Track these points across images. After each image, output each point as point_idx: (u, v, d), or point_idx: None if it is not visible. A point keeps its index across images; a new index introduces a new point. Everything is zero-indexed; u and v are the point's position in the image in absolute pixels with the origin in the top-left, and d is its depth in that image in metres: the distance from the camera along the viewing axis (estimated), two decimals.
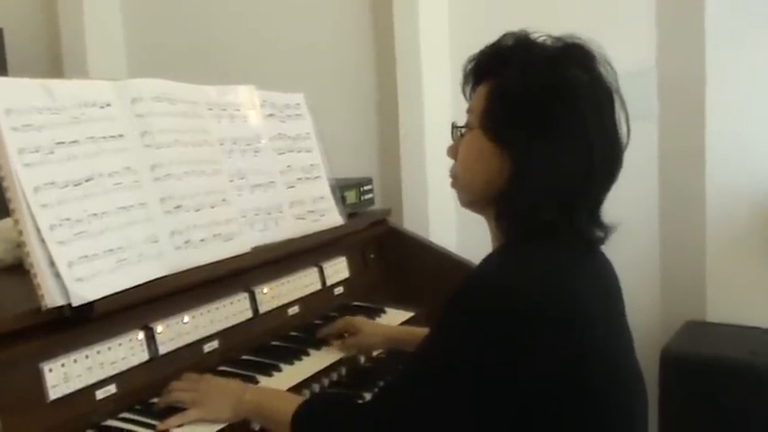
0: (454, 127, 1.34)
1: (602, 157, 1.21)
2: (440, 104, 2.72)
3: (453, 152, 1.33)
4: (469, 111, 1.30)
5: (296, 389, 1.65)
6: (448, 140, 1.37)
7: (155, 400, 1.49)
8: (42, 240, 1.31)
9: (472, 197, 1.30)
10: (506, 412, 1.12)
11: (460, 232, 2.75)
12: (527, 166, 1.20)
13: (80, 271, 1.35)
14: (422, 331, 1.77)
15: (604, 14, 2.61)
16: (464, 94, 1.33)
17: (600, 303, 1.21)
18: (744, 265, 2.68)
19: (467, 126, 1.30)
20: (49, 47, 3.14)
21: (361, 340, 1.82)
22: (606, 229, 1.26)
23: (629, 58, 2.38)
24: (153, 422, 1.40)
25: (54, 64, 3.10)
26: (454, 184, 1.34)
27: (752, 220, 2.66)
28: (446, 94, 2.70)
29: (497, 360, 1.10)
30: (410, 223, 2.65)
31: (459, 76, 1.33)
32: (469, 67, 1.31)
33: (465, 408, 1.12)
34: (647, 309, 2.70)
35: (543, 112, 1.19)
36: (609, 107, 1.23)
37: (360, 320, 1.87)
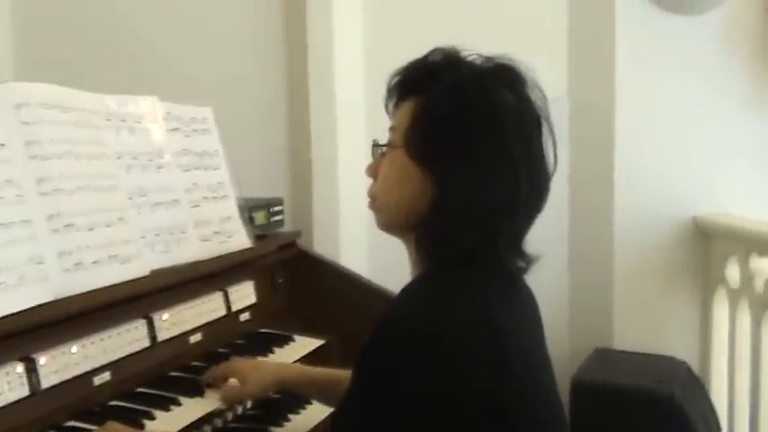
0: (375, 145, 1.27)
1: (528, 185, 1.16)
2: (354, 124, 2.65)
3: (373, 171, 1.26)
4: (392, 129, 1.24)
5: (197, 423, 1.53)
6: (362, 161, 1.30)
7: None
8: None
9: (391, 220, 1.23)
10: None
11: (372, 256, 2.68)
12: (450, 191, 1.15)
13: None
14: (317, 371, 1.67)
15: (518, 41, 2.59)
16: (386, 110, 1.27)
17: (523, 334, 1.17)
18: (651, 291, 2.72)
19: (389, 144, 1.23)
20: None
21: (246, 390, 1.61)
22: (528, 260, 1.21)
23: (541, 84, 2.39)
24: None
25: None
26: (372, 206, 1.26)
27: (659, 245, 2.72)
28: (361, 113, 2.63)
29: (424, 395, 1.05)
30: (320, 246, 2.56)
31: (378, 92, 1.27)
32: (394, 81, 1.25)
33: None
34: (556, 335, 2.69)
35: (469, 135, 1.14)
36: (537, 133, 1.19)
37: (245, 367, 1.64)
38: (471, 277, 1.15)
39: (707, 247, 2.71)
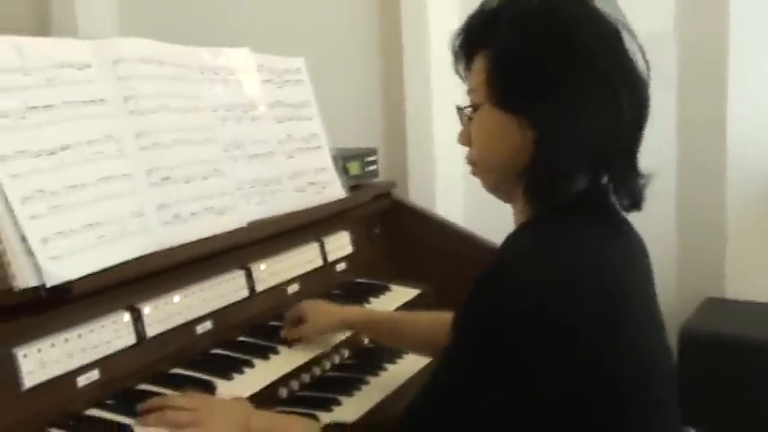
0: (459, 109, 1.21)
1: (628, 100, 1.08)
2: (449, 72, 2.57)
3: (465, 138, 1.21)
4: (471, 90, 1.18)
5: (295, 372, 1.56)
6: (456, 111, 1.24)
7: (144, 386, 1.39)
8: (13, 214, 1.20)
9: (499, 180, 1.17)
10: (546, 404, 1.03)
11: (468, 205, 2.63)
12: (549, 130, 1.08)
13: (56, 248, 1.23)
14: (387, 314, 1.67)
15: None
16: (459, 75, 1.21)
17: (635, 284, 1.13)
18: (766, 238, 2.56)
19: (473, 106, 1.18)
20: (35, 4, 3.00)
21: (309, 329, 1.62)
22: (645, 178, 1.13)
23: (644, 21, 2.25)
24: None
25: (42, 23, 2.96)
26: (474, 171, 1.21)
27: None
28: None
29: (535, 349, 1.01)
30: (416, 196, 2.52)
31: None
32: (458, 42, 1.18)
33: (508, 411, 1.03)
34: (663, 283, 2.57)
35: (552, 66, 1.07)
36: (619, 43, 1.10)
37: (311, 307, 1.66)
38: (580, 222, 1.09)
39: None
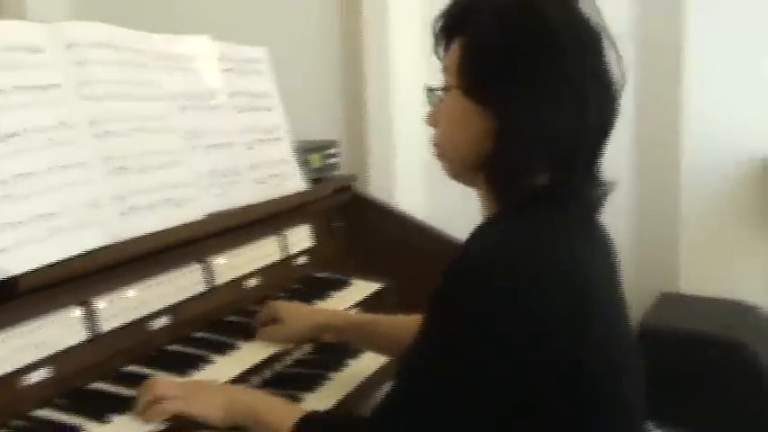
0: (429, 90, 1.20)
1: (595, 105, 1.09)
2: (409, 63, 2.55)
3: (433, 119, 1.20)
4: (445, 69, 1.17)
5: (257, 368, 1.52)
6: (417, 102, 1.23)
7: (97, 385, 1.33)
8: None
9: (461, 166, 1.17)
10: (517, 400, 1.02)
11: (430, 198, 2.62)
12: (513, 122, 1.08)
13: (3, 240, 1.18)
14: (365, 318, 1.64)
15: None
16: (437, 55, 1.20)
17: (603, 277, 1.13)
18: (719, 234, 2.61)
19: (444, 88, 1.17)
20: None
21: (286, 331, 1.58)
22: (604, 187, 1.14)
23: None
24: (98, 412, 1.24)
25: None
26: (438, 154, 1.20)
27: (728, 186, 2.59)
28: (415, 52, 2.53)
29: (502, 341, 1.01)
30: (377, 189, 2.50)
31: (430, 36, 1.19)
32: (439, 24, 1.18)
33: (479, 403, 1.02)
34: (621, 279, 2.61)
35: (524, 61, 1.07)
36: (596, 48, 1.10)
37: (287, 308, 1.62)
38: (548, 217, 1.09)
39: None
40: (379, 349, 1.60)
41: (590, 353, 1.05)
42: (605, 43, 1.11)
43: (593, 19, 1.11)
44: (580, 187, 1.12)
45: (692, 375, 2.24)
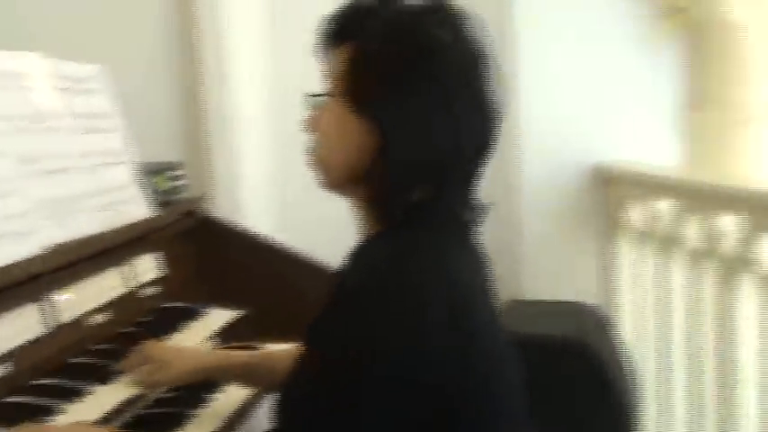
0: (310, 95, 1.16)
1: (473, 128, 1.09)
2: (250, 77, 2.48)
3: (312, 124, 1.16)
4: (328, 77, 1.14)
5: (114, 414, 1.39)
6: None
7: None
8: None
9: (337, 178, 1.14)
10: (417, 417, 1.01)
11: (280, 218, 2.55)
12: (393, 139, 1.07)
13: None
14: (246, 355, 1.55)
15: None
16: (320, 59, 1.17)
17: (485, 295, 1.13)
18: (558, 240, 2.75)
19: (325, 94, 1.14)
20: None
21: (163, 377, 1.46)
22: (479, 210, 1.15)
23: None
24: None
25: None
26: (314, 163, 1.16)
27: (564, 194, 2.75)
28: (257, 65, 2.47)
29: (392, 362, 0.99)
30: (225, 211, 2.40)
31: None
32: (326, 27, 1.15)
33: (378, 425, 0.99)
34: None
35: (406, 78, 1.07)
36: (478, 72, 1.11)
37: (164, 352, 1.50)
38: (429, 235, 1.09)
39: (609, 193, 2.76)
40: (264, 387, 1.51)
41: (476, 369, 1.05)
42: (487, 67, 1.12)
43: (479, 41, 1.12)
44: (456, 207, 1.12)
45: (541, 377, 2.32)
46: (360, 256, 1.08)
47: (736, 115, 2.57)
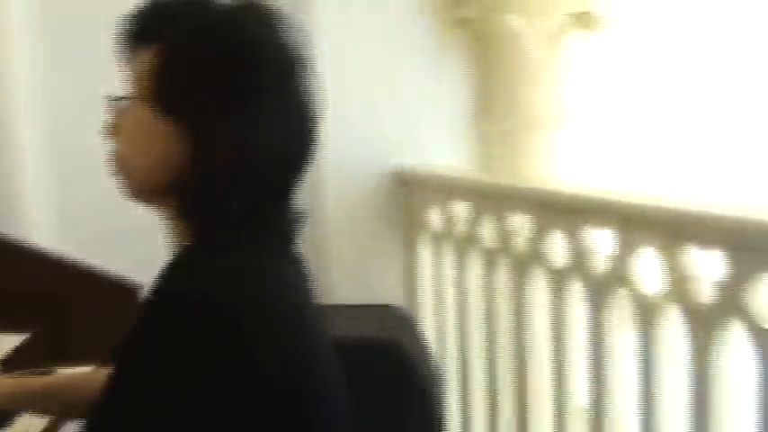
0: (112, 99, 1.07)
1: (290, 132, 1.06)
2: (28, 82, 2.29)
3: (114, 130, 1.06)
4: (131, 78, 1.05)
5: None
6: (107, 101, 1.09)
7: None
8: None
9: (143, 185, 1.05)
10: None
11: (60, 229, 2.36)
12: (206, 145, 1.01)
13: None
14: (41, 380, 1.39)
15: None
16: (123, 59, 1.08)
17: (310, 308, 1.10)
18: (364, 245, 2.79)
19: (129, 98, 1.05)
20: None
21: None
22: (299, 219, 1.11)
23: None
24: None
25: None
26: (117, 171, 1.07)
27: (366, 200, 2.80)
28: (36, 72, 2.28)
29: (216, 381, 0.93)
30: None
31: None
32: (130, 27, 1.06)
33: None
34: None
35: (219, 80, 1.01)
36: (294, 73, 1.08)
37: None
38: (248, 249, 1.03)
39: (410, 196, 2.84)
40: (71, 413, 1.37)
41: (315, 381, 1.03)
42: (304, 68, 1.08)
43: (296, 44, 1.08)
44: (276, 217, 1.08)
45: (354, 380, 2.34)
46: (172, 272, 1.00)
47: (523, 120, 2.75)
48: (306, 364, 1.02)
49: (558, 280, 2.17)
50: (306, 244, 2.84)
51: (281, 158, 1.05)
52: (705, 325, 1.71)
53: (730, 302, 1.64)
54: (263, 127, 1.02)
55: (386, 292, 2.73)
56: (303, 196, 2.86)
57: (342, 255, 2.75)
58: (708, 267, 1.71)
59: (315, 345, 1.06)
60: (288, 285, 1.05)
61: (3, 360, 1.62)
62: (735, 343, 1.67)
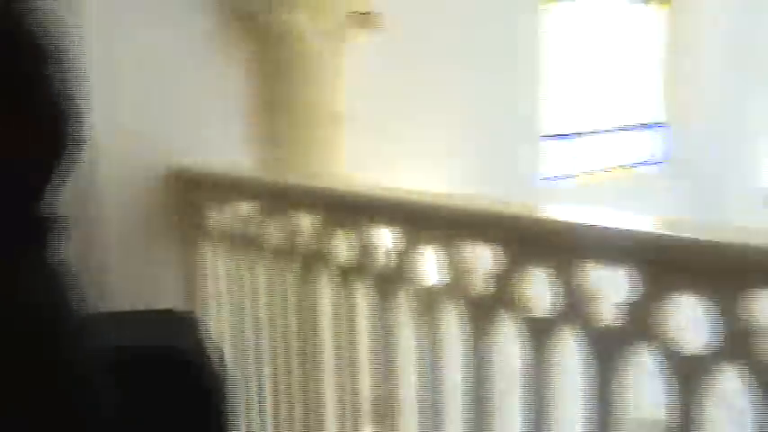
0: None
1: (46, 130, 0.96)
2: None
3: None
4: None
5: None
6: None
7: None
8: None
9: None
10: None
11: None
12: None
13: None
14: None
15: None
16: None
17: (69, 319, 1.00)
18: (143, 249, 2.66)
19: None
20: None
21: None
22: (57, 224, 1.01)
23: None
24: None
25: None
26: None
27: (143, 203, 2.67)
28: None
29: None
30: None
31: None
32: None
33: None
34: None
35: None
36: (48, 68, 0.98)
37: None
38: (17, 252, 0.92)
39: (190, 197, 2.74)
40: None
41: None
42: (62, 63, 0.98)
43: (52, 35, 0.97)
44: (26, 221, 0.98)
45: (137, 389, 2.22)
46: None
47: (306, 118, 2.75)
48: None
49: (345, 277, 2.20)
50: (77, 249, 2.66)
51: (35, 156, 0.95)
52: (481, 314, 1.81)
53: (502, 294, 1.76)
54: (13, 124, 0.92)
55: (168, 296, 2.62)
56: (72, 200, 2.68)
57: (121, 259, 2.59)
58: (484, 261, 1.82)
59: (70, 358, 0.98)
60: (37, 300, 0.96)
61: None
62: (506, 331, 1.79)
